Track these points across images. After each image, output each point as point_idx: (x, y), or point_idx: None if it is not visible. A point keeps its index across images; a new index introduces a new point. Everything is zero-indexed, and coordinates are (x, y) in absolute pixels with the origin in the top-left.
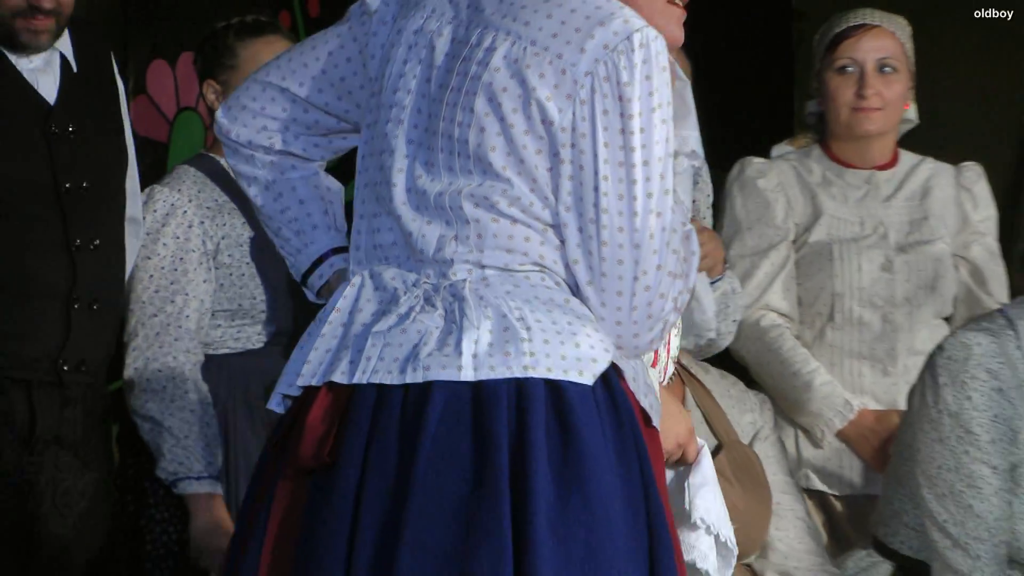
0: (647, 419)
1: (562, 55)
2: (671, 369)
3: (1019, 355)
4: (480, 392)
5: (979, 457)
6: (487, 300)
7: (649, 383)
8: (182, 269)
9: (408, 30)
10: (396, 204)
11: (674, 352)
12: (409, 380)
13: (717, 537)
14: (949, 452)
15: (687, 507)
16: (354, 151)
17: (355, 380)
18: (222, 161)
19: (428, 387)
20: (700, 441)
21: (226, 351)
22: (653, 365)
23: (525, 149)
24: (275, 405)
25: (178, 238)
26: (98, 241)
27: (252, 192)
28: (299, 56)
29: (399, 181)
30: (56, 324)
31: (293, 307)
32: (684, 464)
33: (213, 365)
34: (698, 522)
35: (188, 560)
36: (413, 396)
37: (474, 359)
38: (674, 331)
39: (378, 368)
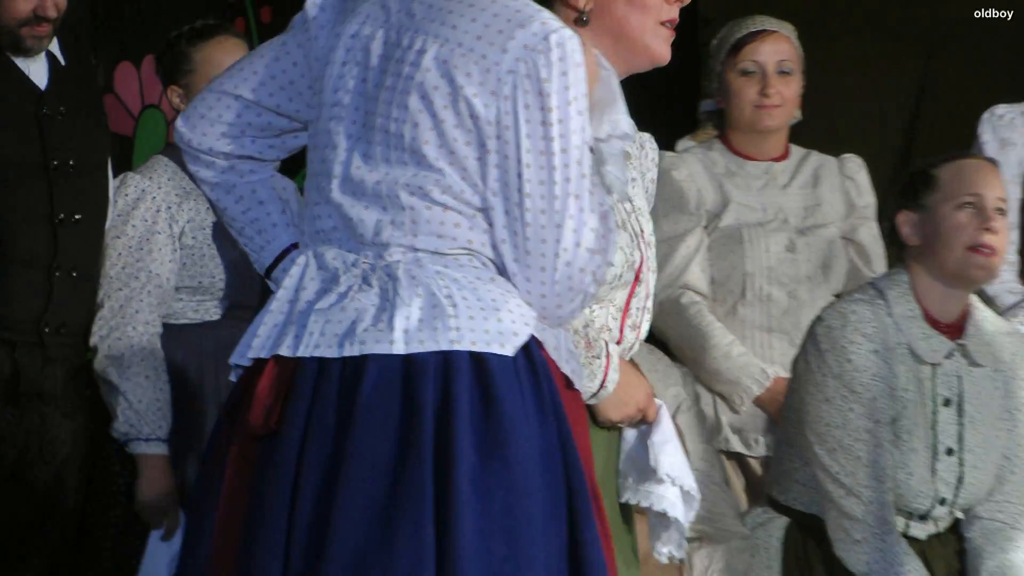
0: (568, 383)
1: (486, 55)
2: (636, 348)
3: (890, 321)
4: (410, 364)
5: (863, 412)
6: (419, 279)
7: (572, 350)
8: (147, 249)
9: (345, 35)
10: (336, 193)
11: (643, 335)
12: (347, 353)
13: (682, 488)
14: (836, 410)
15: (652, 464)
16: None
17: (299, 353)
18: None
19: (364, 360)
20: (659, 402)
21: (185, 321)
22: (618, 343)
23: (455, 142)
24: (232, 374)
25: (146, 220)
26: (79, 216)
27: (214, 196)
28: (249, 65)
29: (339, 172)
30: (39, 290)
31: (258, 285)
32: (646, 424)
33: (173, 334)
34: (664, 476)
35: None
36: (350, 368)
37: (405, 334)
38: (647, 316)
39: (319, 343)
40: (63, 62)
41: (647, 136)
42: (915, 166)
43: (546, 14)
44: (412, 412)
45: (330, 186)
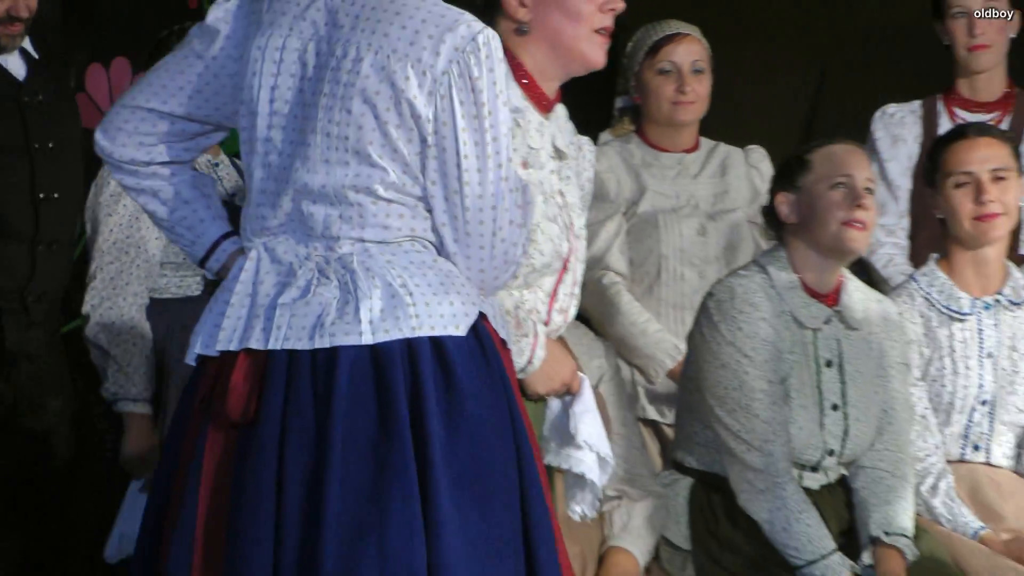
0: (503, 343)
1: (421, 59)
2: (562, 330)
3: (773, 292)
4: (378, 353)
5: (757, 374)
6: (373, 271)
7: (503, 315)
8: (136, 227)
9: (270, 47)
10: (282, 194)
11: (570, 318)
12: (318, 345)
13: (598, 453)
14: (731, 374)
15: (572, 431)
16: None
17: (270, 346)
18: None
19: (335, 351)
20: (581, 376)
21: (168, 296)
22: (546, 324)
23: (398, 140)
24: (190, 360)
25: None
26: (57, 194)
27: (141, 201)
28: (157, 79)
29: (284, 175)
30: (23, 262)
31: None
32: (569, 395)
33: (157, 307)
34: (582, 443)
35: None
36: (322, 359)
37: (371, 325)
38: (574, 301)
39: (288, 336)
40: (36, 55)
41: (585, 139)
42: (790, 153)
43: (468, 16)
44: (387, 397)
45: (275, 187)
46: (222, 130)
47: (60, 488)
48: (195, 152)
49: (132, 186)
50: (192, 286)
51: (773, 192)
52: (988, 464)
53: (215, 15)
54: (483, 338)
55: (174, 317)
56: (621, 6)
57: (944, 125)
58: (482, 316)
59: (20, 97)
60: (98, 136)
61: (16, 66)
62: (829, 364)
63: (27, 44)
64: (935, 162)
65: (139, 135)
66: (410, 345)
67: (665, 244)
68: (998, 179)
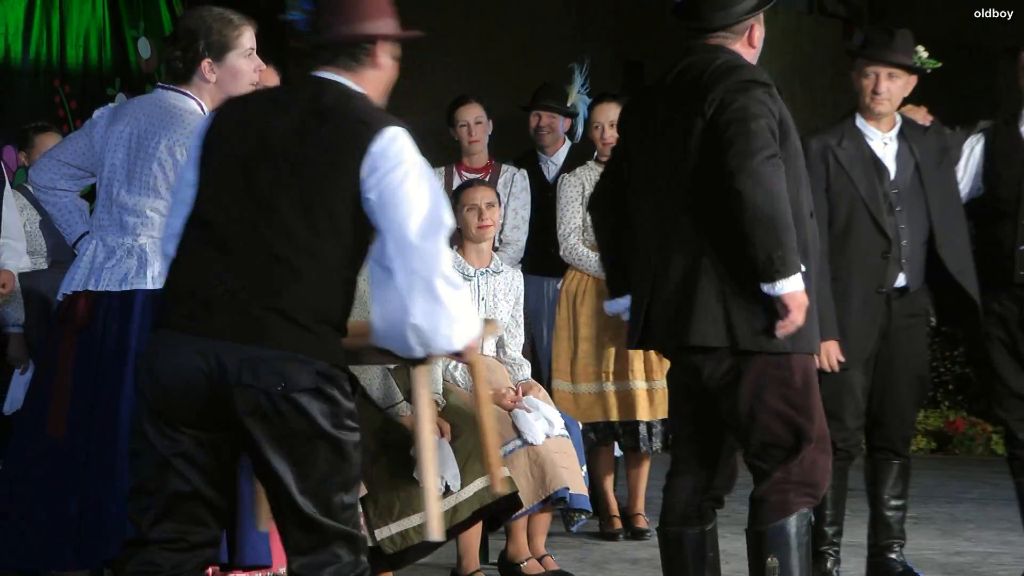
0: None
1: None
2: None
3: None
4: (155, 293)
5: None
6: (156, 253)
7: None
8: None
9: (115, 131)
10: (113, 208)
11: None
12: (124, 288)
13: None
14: None
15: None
16: None
17: (100, 288)
18: None
19: (132, 293)
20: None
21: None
22: None
23: (168, 180)
24: (58, 296)
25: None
26: None
27: (48, 209)
28: (68, 144)
29: (113, 199)
30: None
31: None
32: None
33: (32, 276)
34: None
35: None
36: (126, 297)
37: (153, 280)
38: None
39: (110, 283)
40: None
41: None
42: None
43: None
44: (145, 320)
45: (110, 204)
46: None
47: None
48: (80, 185)
49: (47, 200)
50: (40, 263)
51: None
52: None
53: None
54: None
55: (43, 281)
56: None
57: None
58: None
59: None
60: (31, 174)
61: None
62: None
63: None
64: None
65: (52, 175)
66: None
67: None
68: None
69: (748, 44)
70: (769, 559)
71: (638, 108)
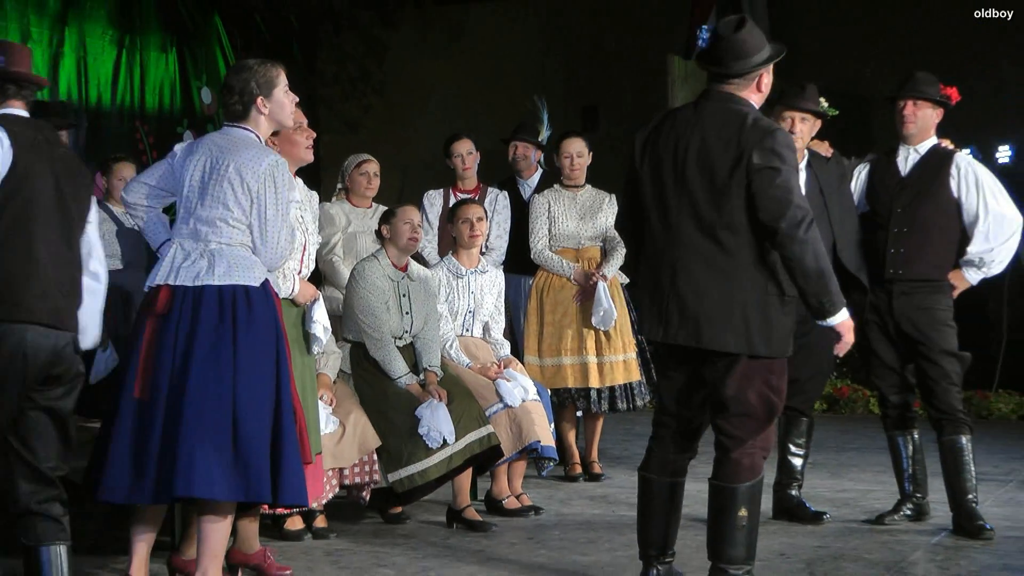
0: (276, 295)
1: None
2: (306, 276)
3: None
4: (222, 290)
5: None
6: (224, 255)
7: (278, 282)
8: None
9: (193, 160)
10: (191, 218)
11: (306, 272)
12: (197, 284)
13: (322, 324)
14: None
15: (312, 319)
16: None
17: (177, 283)
18: None
19: (202, 288)
20: (316, 291)
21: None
22: (299, 274)
23: (242, 202)
24: (145, 288)
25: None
26: None
27: (137, 223)
28: (154, 170)
29: (191, 212)
30: None
31: (145, 254)
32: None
33: (111, 274)
34: (315, 320)
35: None
36: (198, 292)
37: (220, 277)
38: (309, 263)
39: (185, 279)
40: None
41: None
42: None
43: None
44: (223, 313)
45: (188, 217)
46: None
47: None
48: (164, 203)
49: (137, 215)
50: (116, 264)
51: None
52: None
53: None
54: (268, 289)
55: (121, 281)
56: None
57: None
58: (268, 281)
59: None
60: (123, 194)
61: None
62: (405, 295)
63: None
64: None
65: (141, 195)
66: (234, 289)
67: None
68: None
69: (757, 89)
70: (741, 510)
71: (666, 131)
